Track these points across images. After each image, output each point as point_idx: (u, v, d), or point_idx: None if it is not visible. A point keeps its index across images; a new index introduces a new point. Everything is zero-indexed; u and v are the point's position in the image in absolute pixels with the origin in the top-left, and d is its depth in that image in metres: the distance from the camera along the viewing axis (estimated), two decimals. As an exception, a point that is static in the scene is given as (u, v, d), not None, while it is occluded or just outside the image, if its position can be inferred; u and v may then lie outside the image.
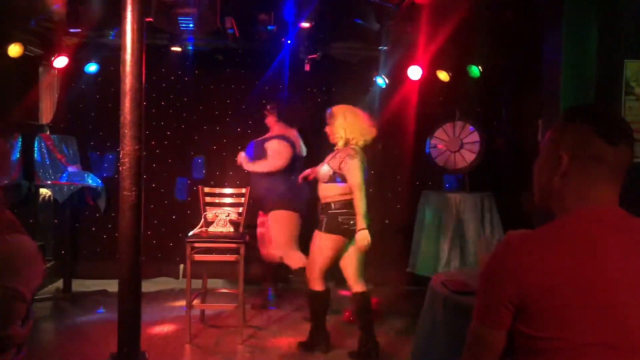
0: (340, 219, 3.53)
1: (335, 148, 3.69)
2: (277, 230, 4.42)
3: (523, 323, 1.23)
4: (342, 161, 3.54)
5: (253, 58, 5.47)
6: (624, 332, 1.21)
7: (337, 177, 3.56)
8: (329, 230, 3.55)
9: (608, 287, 1.21)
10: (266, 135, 4.65)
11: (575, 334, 1.20)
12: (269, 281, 4.84)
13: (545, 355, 1.22)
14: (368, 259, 5.43)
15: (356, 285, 3.70)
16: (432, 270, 4.64)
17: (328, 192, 3.58)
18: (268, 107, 4.68)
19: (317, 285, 3.68)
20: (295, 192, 4.38)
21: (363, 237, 3.44)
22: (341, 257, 3.67)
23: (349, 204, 3.53)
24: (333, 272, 5.44)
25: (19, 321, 1.27)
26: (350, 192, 3.52)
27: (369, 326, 3.63)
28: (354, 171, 3.51)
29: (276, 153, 4.46)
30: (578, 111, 1.35)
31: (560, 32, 3.37)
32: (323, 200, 3.62)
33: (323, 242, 3.58)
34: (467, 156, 4.95)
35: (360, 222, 3.45)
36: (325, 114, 3.77)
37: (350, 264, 3.67)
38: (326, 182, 3.58)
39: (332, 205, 3.56)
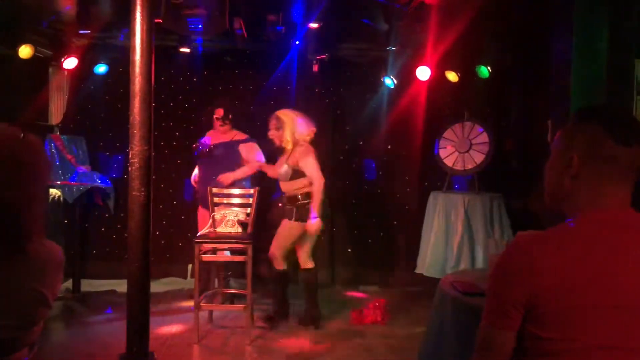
0: (307, 208, 4.06)
1: (287, 149, 4.14)
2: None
3: (532, 324, 1.22)
4: (298, 159, 4.06)
5: (261, 59, 5.48)
6: (635, 334, 1.20)
7: (296, 173, 4.07)
8: (300, 219, 4.07)
9: (618, 288, 1.20)
10: (232, 139, 4.73)
11: (585, 335, 1.19)
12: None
13: (554, 357, 1.21)
14: (377, 261, 5.50)
15: (306, 263, 4.24)
16: (440, 271, 4.64)
17: (291, 187, 4.12)
18: (230, 116, 4.72)
19: (281, 265, 4.21)
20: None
21: (315, 225, 4.01)
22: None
23: (311, 195, 4.07)
24: (338, 273, 5.47)
25: (40, 324, 1.29)
26: (311, 184, 4.06)
27: (315, 297, 4.26)
28: (312, 166, 4.06)
29: (257, 153, 4.68)
30: (589, 111, 1.34)
31: (570, 31, 3.35)
32: (288, 194, 4.15)
33: (294, 230, 4.11)
34: (476, 157, 4.93)
35: (314, 210, 4.01)
36: (270, 120, 4.18)
37: (305, 245, 4.20)
38: (288, 180, 4.09)
39: (299, 197, 4.09)
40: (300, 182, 4.09)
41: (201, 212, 4.78)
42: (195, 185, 4.83)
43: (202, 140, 4.79)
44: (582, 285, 1.20)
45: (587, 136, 1.28)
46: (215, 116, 4.75)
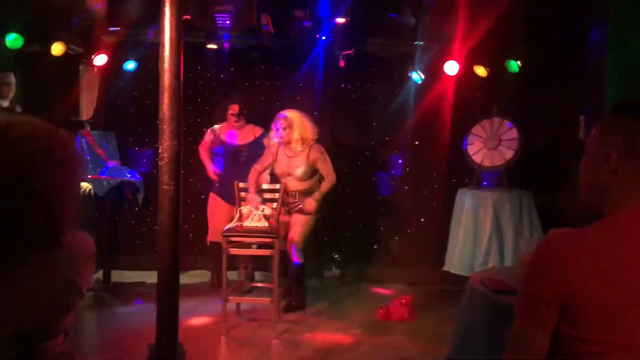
0: (319, 200, 4.34)
1: (294, 149, 4.31)
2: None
3: (568, 324, 1.20)
4: (316, 159, 4.31)
5: (287, 55, 5.48)
6: None
7: (312, 173, 4.34)
8: (314, 213, 4.33)
9: None
10: (255, 136, 4.88)
11: (624, 336, 1.16)
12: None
13: (590, 357, 1.18)
14: (404, 258, 5.46)
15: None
16: (468, 269, 4.58)
17: (307, 186, 4.35)
18: (245, 111, 4.83)
19: (301, 258, 4.38)
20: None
21: (311, 205, 4.29)
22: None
23: (318, 188, 4.39)
24: (364, 270, 5.46)
25: (73, 314, 1.33)
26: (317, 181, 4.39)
27: (302, 283, 4.51)
28: (330, 165, 4.36)
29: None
30: (626, 106, 1.30)
31: (605, 26, 3.25)
32: (299, 190, 4.34)
33: (311, 223, 4.35)
34: (505, 153, 4.85)
35: (317, 195, 4.29)
36: (277, 119, 4.33)
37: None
38: (305, 180, 4.33)
39: (311, 194, 4.34)
40: (314, 180, 4.38)
41: (215, 201, 4.85)
42: (215, 177, 4.89)
43: (228, 140, 4.86)
44: (619, 284, 1.17)
45: (624, 132, 1.25)
46: (230, 112, 4.87)
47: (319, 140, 4.43)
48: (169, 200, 2.33)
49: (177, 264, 2.36)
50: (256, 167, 4.44)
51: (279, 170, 4.42)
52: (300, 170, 4.31)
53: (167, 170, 2.32)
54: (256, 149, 4.79)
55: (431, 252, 5.28)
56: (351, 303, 4.78)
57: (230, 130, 4.91)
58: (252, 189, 4.31)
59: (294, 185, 4.35)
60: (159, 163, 2.35)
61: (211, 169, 4.93)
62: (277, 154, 4.42)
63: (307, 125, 4.35)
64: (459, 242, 4.76)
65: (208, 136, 4.95)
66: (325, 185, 4.33)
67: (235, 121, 4.84)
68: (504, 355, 1.28)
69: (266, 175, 4.71)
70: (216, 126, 4.98)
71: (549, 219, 4.63)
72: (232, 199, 4.54)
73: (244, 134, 4.89)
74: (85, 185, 5.08)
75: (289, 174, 4.36)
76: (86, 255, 1.37)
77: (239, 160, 4.80)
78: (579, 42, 4.45)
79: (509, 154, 4.84)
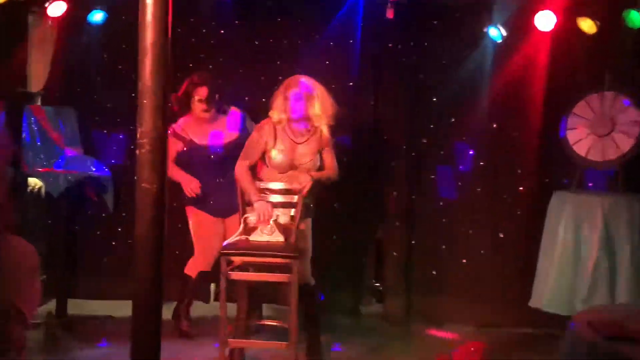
0: (310, 204, 4.39)
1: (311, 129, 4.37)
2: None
3: None
4: (325, 145, 4.39)
5: (313, 3, 5.50)
6: None
7: (321, 162, 4.43)
8: (312, 216, 4.45)
9: None
10: (238, 122, 4.93)
11: None
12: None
13: None
14: (473, 289, 5.43)
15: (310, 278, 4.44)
16: (566, 306, 4.57)
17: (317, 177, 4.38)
18: (217, 95, 4.82)
19: (313, 279, 4.42)
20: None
21: (307, 181, 4.25)
22: None
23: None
24: (416, 305, 5.45)
25: (19, 350, 1.35)
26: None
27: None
28: (333, 155, 4.43)
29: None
30: None
31: None
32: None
33: (310, 229, 4.43)
34: (622, 142, 4.81)
35: (315, 173, 4.34)
36: (290, 83, 4.31)
37: None
38: (316, 170, 4.40)
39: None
40: (323, 173, 4.40)
41: (199, 217, 4.88)
42: (197, 192, 4.79)
43: (201, 141, 4.86)
44: None
45: None
46: (196, 98, 4.75)
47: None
48: (151, 203, 2.35)
49: (161, 291, 2.39)
50: (243, 164, 4.29)
51: (279, 161, 4.31)
52: (315, 160, 4.37)
53: (148, 162, 2.35)
54: (245, 139, 4.62)
55: (513, 281, 5.27)
56: (398, 350, 4.80)
57: (200, 126, 4.85)
58: (254, 194, 4.20)
59: (301, 180, 4.26)
60: (137, 152, 2.38)
61: (190, 183, 4.77)
62: (275, 138, 4.30)
63: (328, 100, 4.35)
64: (553, 267, 4.74)
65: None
66: (325, 174, 4.39)
67: (204, 110, 4.76)
68: None
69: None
70: (174, 125, 4.81)
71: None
72: (221, 210, 4.70)
73: (221, 126, 4.88)
74: (34, 182, 5.16)
75: (295, 167, 4.33)
76: (28, 266, 1.39)
77: (224, 162, 4.71)
78: None
79: (626, 144, 4.81)
